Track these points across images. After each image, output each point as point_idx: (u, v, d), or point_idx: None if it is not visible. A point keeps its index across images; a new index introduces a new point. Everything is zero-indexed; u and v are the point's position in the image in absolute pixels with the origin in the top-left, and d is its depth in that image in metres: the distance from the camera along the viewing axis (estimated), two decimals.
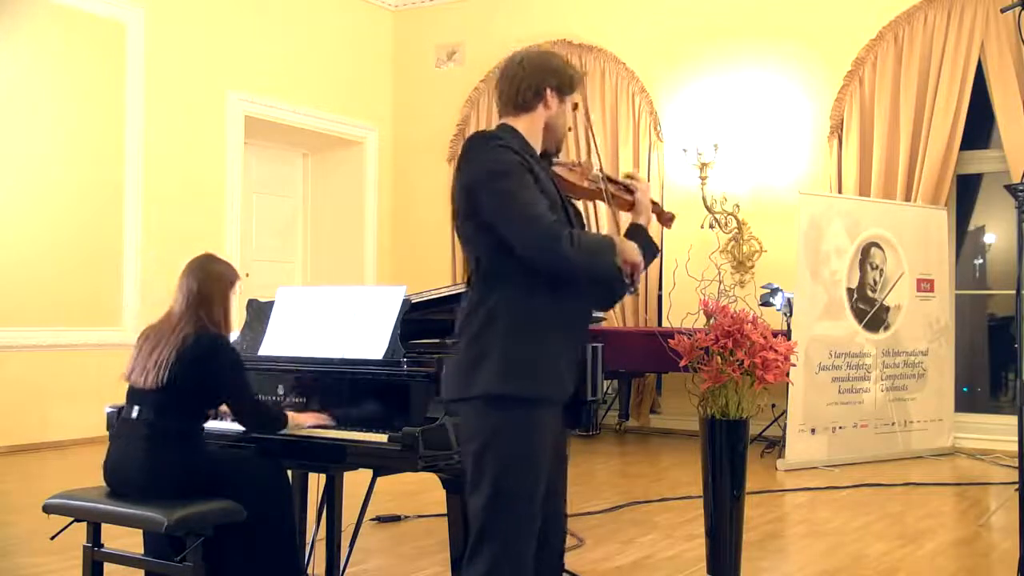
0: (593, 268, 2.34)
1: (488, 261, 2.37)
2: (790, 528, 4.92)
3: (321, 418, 3.19)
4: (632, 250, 2.40)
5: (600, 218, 8.26)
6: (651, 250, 2.53)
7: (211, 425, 3.27)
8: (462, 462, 2.50)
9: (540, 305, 2.35)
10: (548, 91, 2.47)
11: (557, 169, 2.53)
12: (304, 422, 3.17)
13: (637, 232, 2.54)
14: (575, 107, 2.55)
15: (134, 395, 3.12)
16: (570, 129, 2.58)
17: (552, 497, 2.49)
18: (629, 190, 2.61)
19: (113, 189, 7.45)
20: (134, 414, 3.09)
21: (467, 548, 2.37)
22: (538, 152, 2.49)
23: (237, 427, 3.23)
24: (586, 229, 2.61)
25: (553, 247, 2.27)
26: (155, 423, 3.05)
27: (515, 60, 2.52)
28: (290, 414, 3.18)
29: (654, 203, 2.66)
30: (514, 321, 2.33)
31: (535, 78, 2.47)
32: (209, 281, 3.18)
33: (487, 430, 2.33)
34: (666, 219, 2.73)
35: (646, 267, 2.70)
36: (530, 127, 2.47)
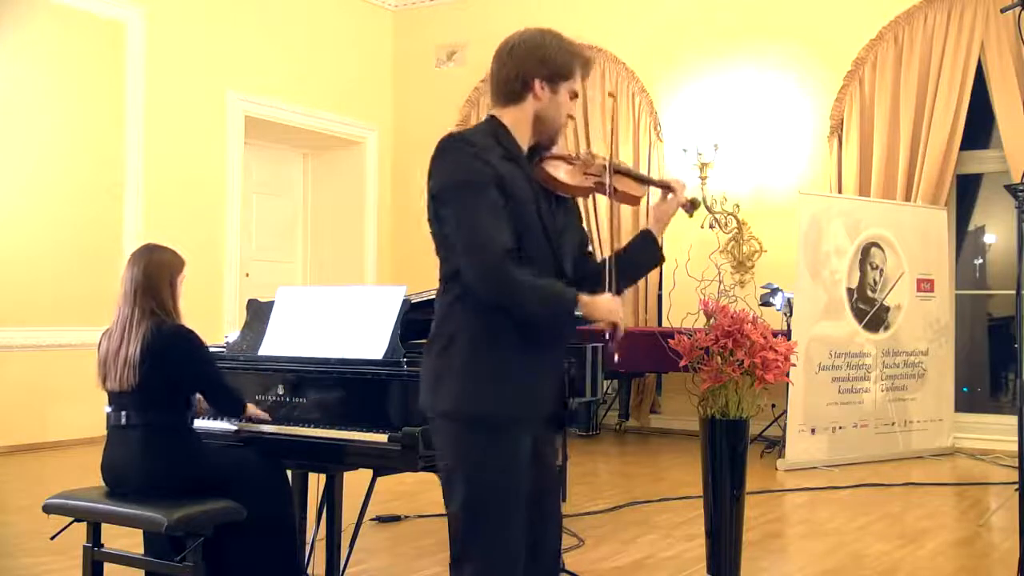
0: (544, 314, 2.22)
1: (454, 266, 2.27)
2: (790, 528, 4.93)
3: (260, 413, 3.24)
4: (604, 309, 2.24)
5: (600, 213, 8.27)
6: (656, 259, 2.48)
7: (210, 424, 3.27)
8: (432, 465, 2.44)
9: (503, 321, 2.21)
10: (537, 82, 2.29)
11: (546, 166, 2.34)
12: (258, 415, 3.21)
13: (648, 239, 2.46)
14: (574, 96, 2.36)
15: (116, 399, 3.12)
16: (571, 117, 2.39)
17: (544, 497, 2.45)
18: (638, 184, 2.48)
19: (113, 189, 7.44)
20: (123, 420, 3.09)
21: (452, 557, 2.33)
22: (526, 147, 2.34)
23: (235, 426, 3.24)
24: (583, 226, 2.53)
25: (494, 282, 2.16)
26: (144, 424, 3.05)
27: (506, 47, 2.35)
28: (249, 405, 3.22)
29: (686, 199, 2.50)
30: (481, 335, 2.22)
31: (523, 68, 2.29)
32: (152, 268, 3.16)
33: (453, 452, 2.26)
34: (689, 206, 2.53)
35: (646, 273, 2.62)
36: (517, 120, 2.31)
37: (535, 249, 2.25)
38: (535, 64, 2.30)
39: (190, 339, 3.12)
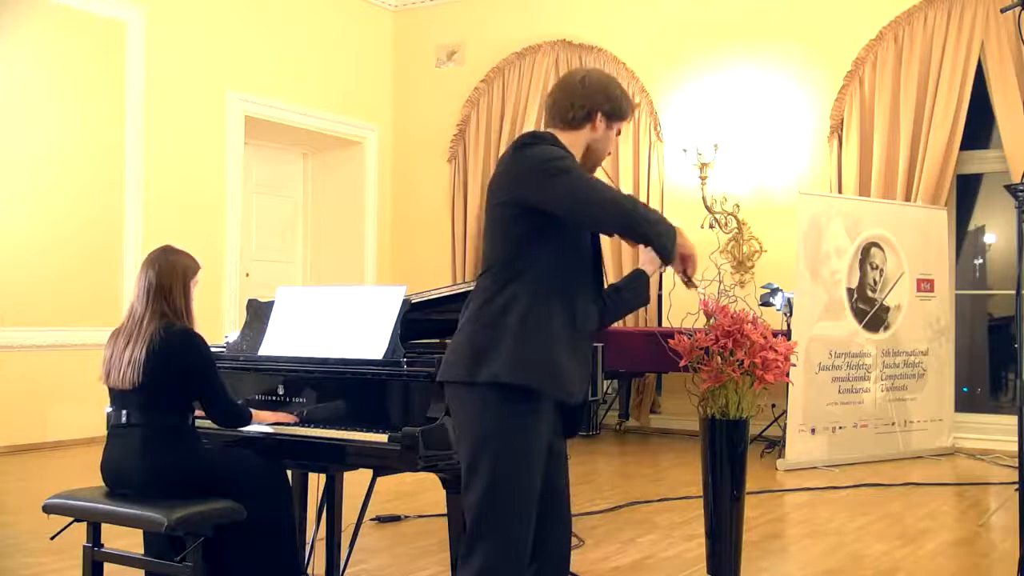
0: (655, 234, 2.41)
1: (511, 251, 2.39)
2: (790, 528, 4.92)
3: (281, 416, 3.21)
4: (687, 242, 2.51)
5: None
6: (641, 300, 2.63)
7: (210, 424, 3.27)
8: (457, 452, 2.50)
9: (555, 304, 2.38)
10: (599, 115, 2.51)
11: None
12: (266, 419, 3.20)
13: (639, 278, 2.61)
14: (618, 133, 2.60)
15: (117, 398, 3.12)
16: (609, 153, 2.63)
17: (553, 496, 2.48)
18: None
19: (113, 189, 7.45)
20: (123, 419, 3.09)
21: (462, 546, 2.35)
22: None
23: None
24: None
25: (626, 206, 2.37)
26: (144, 424, 3.05)
27: (576, 77, 2.56)
28: (253, 411, 3.20)
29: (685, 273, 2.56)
30: (529, 315, 2.34)
31: (590, 100, 2.50)
32: (166, 272, 3.16)
33: (489, 420, 2.33)
34: (688, 281, 2.58)
35: (630, 312, 2.78)
36: (573, 144, 2.50)
37: (580, 259, 2.46)
38: (602, 99, 2.52)
39: (196, 344, 3.11)
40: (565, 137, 2.51)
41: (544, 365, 2.35)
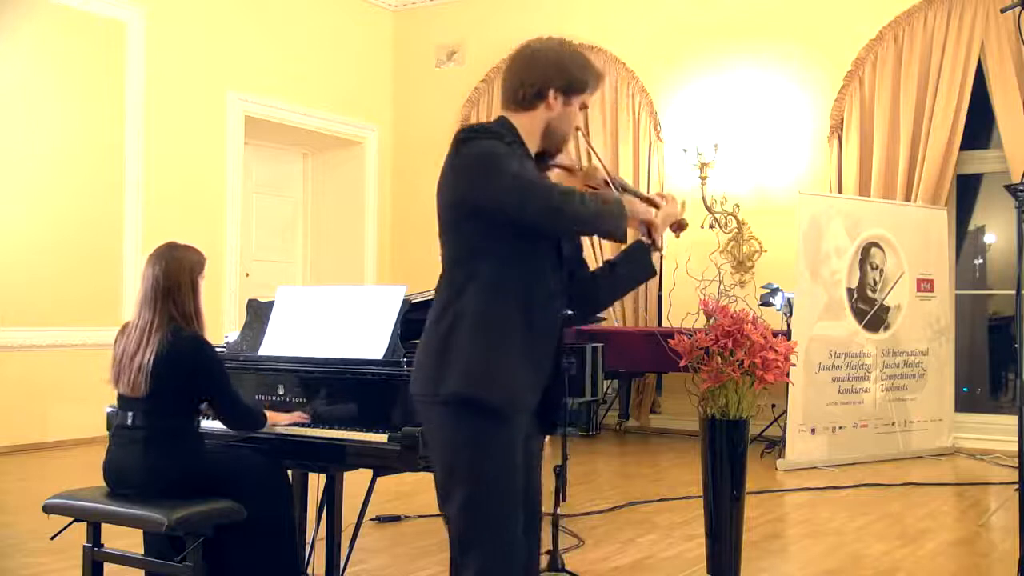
0: (598, 223, 2.25)
1: (462, 253, 2.29)
2: (790, 528, 4.93)
3: (296, 417, 3.21)
4: (641, 209, 2.33)
5: None
6: (646, 272, 2.43)
7: (212, 425, 3.27)
8: (431, 465, 2.39)
9: (510, 306, 2.23)
10: (552, 92, 2.29)
11: (552, 173, 2.38)
12: (281, 420, 3.19)
13: (637, 250, 2.41)
14: (583, 107, 2.37)
15: (124, 402, 3.11)
16: (578, 129, 2.40)
17: (528, 495, 2.41)
18: (652, 203, 2.43)
19: (113, 189, 7.44)
20: (128, 421, 3.08)
21: (453, 563, 2.29)
22: (534, 152, 2.36)
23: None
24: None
25: (560, 205, 2.18)
26: (149, 426, 3.04)
27: (524, 54, 2.35)
28: (268, 412, 3.19)
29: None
30: (482, 323, 2.21)
31: (539, 77, 2.29)
32: (173, 269, 3.11)
33: (460, 429, 2.22)
34: (676, 226, 2.52)
35: (638, 285, 2.57)
36: (529, 126, 2.32)
37: (539, 252, 2.29)
38: (553, 74, 2.30)
39: (205, 351, 3.09)
40: (518, 120, 2.32)
41: (497, 376, 2.20)
